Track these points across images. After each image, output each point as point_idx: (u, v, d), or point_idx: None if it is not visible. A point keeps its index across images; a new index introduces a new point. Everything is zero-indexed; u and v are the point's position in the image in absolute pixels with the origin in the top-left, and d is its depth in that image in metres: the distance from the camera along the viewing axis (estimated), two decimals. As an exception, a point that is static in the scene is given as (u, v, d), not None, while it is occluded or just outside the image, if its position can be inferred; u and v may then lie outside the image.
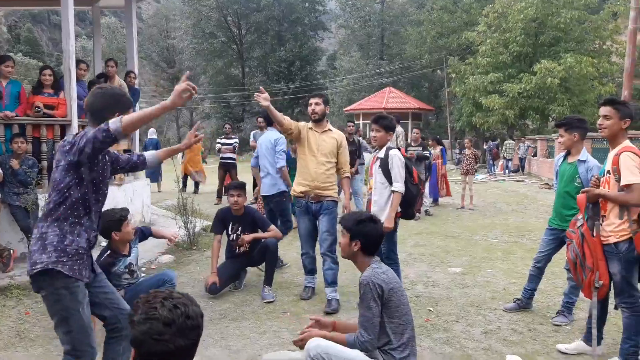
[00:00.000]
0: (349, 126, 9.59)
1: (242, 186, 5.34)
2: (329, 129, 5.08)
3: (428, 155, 10.32)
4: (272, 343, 4.04)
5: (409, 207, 4.83)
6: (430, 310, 4.82)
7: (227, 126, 12.17)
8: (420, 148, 10.20)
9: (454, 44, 30.62)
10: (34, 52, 47.95)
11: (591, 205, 3.57)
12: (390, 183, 4.67)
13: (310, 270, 5.17)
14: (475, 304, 4.98)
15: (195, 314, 1.52)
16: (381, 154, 4.78)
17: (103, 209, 3.02)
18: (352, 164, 8.11)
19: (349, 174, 5.14)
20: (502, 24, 24.20)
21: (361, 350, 2.82)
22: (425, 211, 10.34)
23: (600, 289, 3.53)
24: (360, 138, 10.54)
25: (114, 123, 2.47)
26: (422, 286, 5.58)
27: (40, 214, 5.58)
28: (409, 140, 12.59)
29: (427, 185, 10.61)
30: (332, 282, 4.87)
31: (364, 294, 2.76)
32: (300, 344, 2.91)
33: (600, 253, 3.51)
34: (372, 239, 2.93)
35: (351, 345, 2.80)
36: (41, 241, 2.61)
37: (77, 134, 2.66)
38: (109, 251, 4.07)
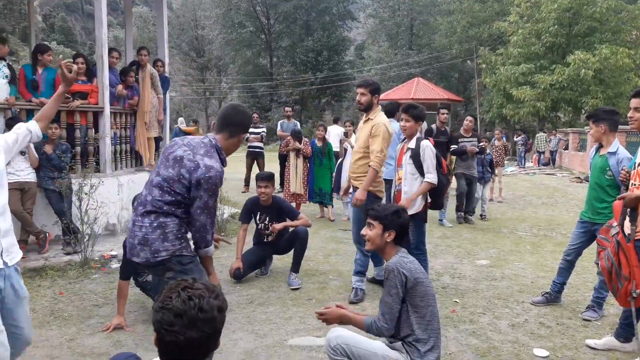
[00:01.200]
0: (442, 114, 8.44)
1: (270, 177, 5.39)
2: (370, 118, 4.80)
3: (484, 147, 9.08)
4: (297, 329, 4.08)
5: (438, 197, 4.81)
6: (456, 301, 4.79)
7: (255, 115, 12.24)
8: (475, 140, 8.63)
9: (485, 34, 30.07)
10: (67, 41, 48.94)
11: (629, 210, 3.33)
12: (421, 174, 4.65)
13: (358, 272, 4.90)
14: (502, 297, 4.93)
15: (210, 306, 1.47)
16: (412, 144, 4.75)
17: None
18: (444, 157, 7.37)
19: (372, 164, 4.67)
20: (534, 13, 23.65)
21: (376, 335, 2.81)
22: (481, 215, 9.11)
23: (638, 298, 3.30)
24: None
25: None
26: (448, 277, 5.55)
27: (74, 197, 5.74)
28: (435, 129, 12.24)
29: (483, 187, 9.32)
30: (358, 272, 4.87)
31: (388, 280, 2.76)
32: (322, 317, 2.88)
33: (637, 260, 3.36)
34: (405, 230, 2.93)
35: (368, 327, 2.78)
36: (161, 230, 2.81)
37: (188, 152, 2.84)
38: None
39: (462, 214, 8.65)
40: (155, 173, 2.90)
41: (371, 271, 5.27)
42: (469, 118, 8.91)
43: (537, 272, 5.76)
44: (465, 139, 8.46)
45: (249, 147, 11.69)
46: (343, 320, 2.85)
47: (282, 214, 5.35)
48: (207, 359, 1.54)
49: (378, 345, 2.82)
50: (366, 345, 2.80)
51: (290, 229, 5.31)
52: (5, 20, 42.95)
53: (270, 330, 4.03)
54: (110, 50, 7.28)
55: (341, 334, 2.87)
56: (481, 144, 8.78)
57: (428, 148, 4.66)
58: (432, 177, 4.61)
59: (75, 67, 2.86)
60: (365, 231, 2.97)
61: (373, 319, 2.79)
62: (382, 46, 38.50)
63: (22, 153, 6.00)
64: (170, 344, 1.46)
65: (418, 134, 4.85)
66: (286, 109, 11.70)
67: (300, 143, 8.53)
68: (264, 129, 12.00)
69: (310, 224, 5.43)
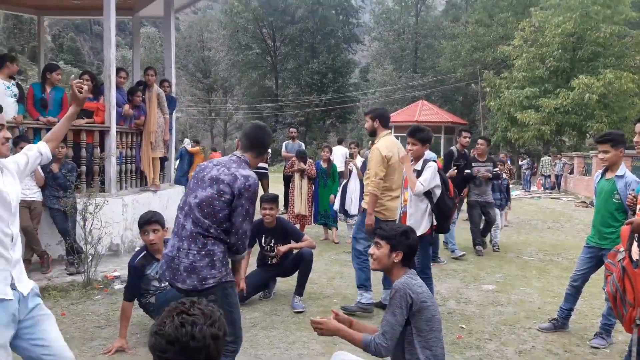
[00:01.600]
0: (464, 137, 7.98)
1: (274, 199, 5.37)
2: (374, 143, 5.12)
3: (499, 172, 8.22)
4: (301, 354, 4.02)
5: (444, 220, 4.78)
6: (462, 327, 4.72)
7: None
8: (490, 164, 7.93)
9: (489, 57, 30.29)
10: (76, 60, 49.47)
11: (637, 235, 3.25)
12: (427, 196, 4.63)
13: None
14: (508, 323, 4.86)
15: (202, 335, 1.43)
16: (418, 166, 4.74)
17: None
18: (464, 180, 7.63)
19: (367, 188, 4.86)
20: (538, 38, 23.84)
21: (374, 354, 2.74)
22: (493, 245, 8.32)
23: None
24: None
25: None
26: (454, 302, 5.48)
27: (78, 217, 5.73)
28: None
29: (501, 214, 8.78)
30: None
31: (393, 299, 2.72)
32: (317, 327, 2.77)
33: None
34: (413, 251, 2.90)
35: (366, 344, 2.70)
36: (209, 258, 2.88)
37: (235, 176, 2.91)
38: (144, 252, 4.14)
39: (480, 247, 7.92)
40: (192, 196, 2.93)
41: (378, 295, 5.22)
42: (481, 141, 8.15)
43: (544, 298, 5.69)
44: (480, 164, 7.90)
45: (254, 167, 11.69)
46: (339, 335, 2.77)
47: (286, 236, 5.32)
48: None
49: None
50: None
51: (295, 251, 5.27)
52: (15, 39, 43.65)
53: (274, 355, 3.97)
54: (118, 70, 7.35)
55: (344, 358, 2.82)
56: (496, 169, 8.02)
57: (432, 167, 4.68)
58: (419, 186, 4.59)
59: (86, 87, 2.83)
60: (372, 250, 2.93)
61: (372, 337, 2.71)
62: (387, 69, 38.81)
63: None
64: None
65: (425, 156, 4.85)
66: (291, 130, 11.74)
67: (305, 163, 8.54)
68: (269, 150, 12.02)
69: (315, 246, 5.39)
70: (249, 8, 41.08)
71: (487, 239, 8.39)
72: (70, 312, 4.85)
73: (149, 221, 4.16)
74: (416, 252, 2.94)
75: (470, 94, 35.87)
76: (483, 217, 7.97)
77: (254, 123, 3.36)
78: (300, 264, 5.18)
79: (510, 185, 10.30)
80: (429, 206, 4.69)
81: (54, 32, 52.90)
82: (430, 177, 4.61)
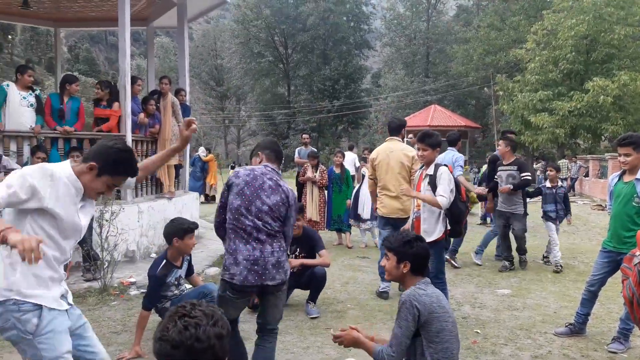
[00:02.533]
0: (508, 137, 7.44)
1: (300, 209, 5.31)
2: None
3: (529, 178, 6.86)
4: (314, 359, 4.03)
5: (456, 224, 4.76)
6: (477, 332, 4.69)
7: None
8: (515, 168, 6.88)
9: (502, 61, 30.16)
10: (91, 70, 50.16)
11: None
12: None
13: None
14: (524, 327, 4.82)
15: (207, 335, 1.43)
16: (430, 170, 4.74)
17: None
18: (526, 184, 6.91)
19: None
20: (551, 41, 23.68)
21: None
22: (555, 265, 7.19)
23: None
24: None
25: None
26: (469, 307, 5.45)
27: (95, 224, 5.81)
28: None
29: (557, 228, 7.46)
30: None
31: (400, 311, 2.72)
32: (338, 340, 2.89)
33: None
34: (420, 259, 2.85)
35: (376, 354, 2.75)
36: (284, 253, 3.24)
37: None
38: (164, 261, 4.18)
39: (506, 262, 7.15)
40: (259, 202, 3.14)
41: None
42: (500, 141, 7.21)
43: (560, 302, 5.63)
44: (504, 167, 6.96)
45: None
46: (356, 344, 2.84)
47: (312, 245, 5.21)
48: None
49: None
50: None
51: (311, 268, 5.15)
52: (32, 51, 44.38)
53: (288, 360, 3.99)
54: (134, 79, 7.45)
55: None
56: (524, 174, 6.79)
57: (445, 173, 4.66)
58: (443, 199, 4.56)
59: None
60: (383, 262, 2.96)
61: (382, 347, 2.75)
62: (399, 74, 38.81)
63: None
64: None
65: (437, 161, 4.85)
66: (303, 136, 11.78)
67: (317, 161, 8.63)
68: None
69: (329, 264, 5.22)
70: (261, 17, 41.41)
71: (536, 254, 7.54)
72: (87, 318, 4.90)
73: (194, 229, 4.24)
74: (426, 259, 2.90)
75: (483, 98, 35.74)
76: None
77: (272, 139, 3.62)
78: (312, 283, 5.10)
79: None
80: (443, 210, 4.68)
81: (70, 43, 53.73)
82: (448, 187, 4.59)
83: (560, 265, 7.12)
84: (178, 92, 8.51)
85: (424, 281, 2.83)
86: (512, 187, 6.73)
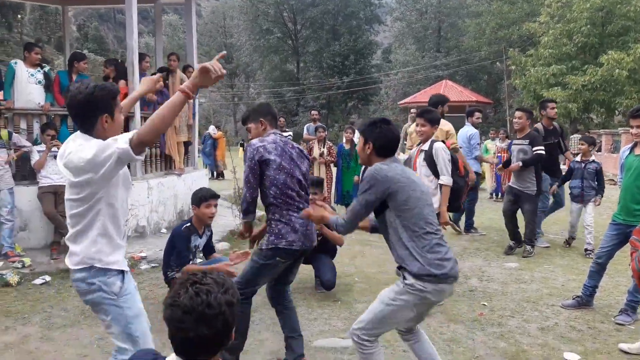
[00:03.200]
0: (552, 108, 7.04)
1: (320, 182, 5.21)
2: None
3: (541, 153, 6.26)
4: (322, 330, 4.09)
5: (455, 199, 4.74)
6: (484, 304, 4.73)
7: (281, 119, 12.33)
8: (527, 142, 6.36)
9: (514, 35, 29.59)
10: (100, 49, 50.11)
11: None
12: (435, 175, 4.61)
13: None
14: (531, 300, 4.85)
15: (218, 302, 1.46)
16: (425, 146, 4.72)
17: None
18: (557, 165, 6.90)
19: None
20: (565, 13, 23.16)
21: (337, 231, 2.99)
22: (567, 240, 7.03)
23: None
24: None
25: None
26: (476, 280, 5.48)
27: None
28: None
29: (584, 208, 6.71)
30: None
31: (361, 186, 2.81)
32: (306, 215, 3.04)
33: None
34: (384, 141, 2.85)
35: (332, 223, 2.93)
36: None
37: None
38: (189, 223, 4.31)
39: (511, 242, 6.70)
40: (297, 171, 3.34)
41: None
42: (518, 113, 6.65)
43: (568, 275, 5.64)
44: (516, 142, 6.57)
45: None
46: (323, 219, 2.98)
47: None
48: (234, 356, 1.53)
49: (381, 296, 2.81)
50: (377, 312, 2.77)
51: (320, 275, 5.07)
52: (41, 30, 44.36)
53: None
54: (142, 56, 7.45)
55: (358, 320, 2.86)
56: (537, 148, 6.26)
57: (440, 149, 4.64)
58: (446, 179, 4.59)
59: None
60: (351, 136, 3.13)
61: (337, 216, 2.96)
62: (409, 49, 38.25)
63: (56, 157, 6.18)
64: (181, 339, 1.48)
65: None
66: (312, 112, 11.74)
67: (324, 133, 8.65)
68: (291, 133, 12.07)
69: (343, 242, 5.10)
70: (270, -9, 40.90)
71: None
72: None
73: (215, 196, 4.36)
74: (390, 142, 2.86)
75: (495, 73, 35.22)
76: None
77: (264, 102, 3.60)
78: (323, 283, 4.98)
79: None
80: (438, 186, 4.64)
81: (79, 22, 53.55)
82: (444, 164, 4.60)
83: (589, 250, 6.39)
84: (186, 69, 8.49)
85: (388, 160, 2.84)
86: (521, 164, 6.26)
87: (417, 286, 2.64)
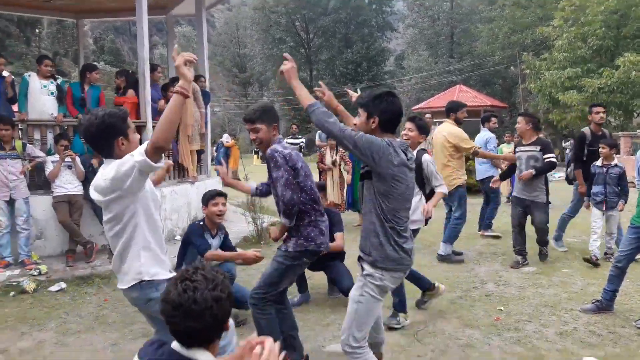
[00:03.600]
0: (597, 113, 6.59)
1: (322, 187, 5.32)
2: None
3: (553, 161, 5.95)
4: (335, 335, 4.04)
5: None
6: (500, 309, 4.64)
7: (294, 126, 12.35)
8: (537, 148, 5.97)
9: (528, 39, 29.36)
10: (116, 61, 50.77)
11: None
12: (420, 186, 4.50)
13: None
14: (549, 304, 4.74)
15: (204, 299, 1.53)
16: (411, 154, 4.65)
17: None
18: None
19: None
20: (580, 17, 22.92)
21: (314, 121, 2.88)
22: (606, 254, 6.24)
23: None
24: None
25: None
26: (492, 285, 5.39)
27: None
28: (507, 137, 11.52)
29: (608, 216, 6.17)
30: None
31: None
32: (283, 70, 3.15)
33: None
34: (389, 114, 2.80)
35: (310, 104, 2.97)
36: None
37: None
38: (202, 222, 4.37)
39: (518, 257, 6.18)
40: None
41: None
42: (519, 118, 6.31)
43: (587, 279, 5.51)
44: (523, 148, 6.13)
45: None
46: (292, 77, 3.08)
47: (330, 226, 5.13)
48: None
49: (352, 296, 2.88)
50: (353, 314, 2.83)
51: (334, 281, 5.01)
52: (58, 43, 45.12)
53: (308, 337, 4.00)
54: (155, 66, 7.51)
55: (343, 331, 2.87)
56: (548, 156, 5.88)
57: (429, 162, 4.65)
58: (443, 187, 4.60)
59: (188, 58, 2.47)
60: (355, 120, 2.99)
61: (318, 103, 2.90)
62: (422, 55, 38.16)
63: (70, 167, 6.25)
64: (175, 331, 1.59)
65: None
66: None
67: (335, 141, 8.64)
68: (303, 140, 12.06)
69: (342, 248, 5.00)
70: (282, 2, 41.15)
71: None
72: (112, 298, 5.01)
73: (221, 194, 4.43)
74: (395, 116, 2.82)
75: (510, 77, 34.96)
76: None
77: (267, 102, 3.55)
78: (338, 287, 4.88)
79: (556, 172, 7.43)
80: (422, 197, 4.55)
81: (95, 35, 54.41)
82: (436, 174, 4.65)
83: (596, 257, 6.04)
84: (197, 79, 8.53)
85: (394, 139, 2.80)
86: (534, 172, 5.88)
87: (375, 275, 2.78)
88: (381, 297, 2.85)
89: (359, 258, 2.90)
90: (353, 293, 2.88)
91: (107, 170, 2.43)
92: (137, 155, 2.31)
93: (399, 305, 4.30)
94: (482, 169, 8.14)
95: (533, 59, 25.47)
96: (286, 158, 3.24)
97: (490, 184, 7.19)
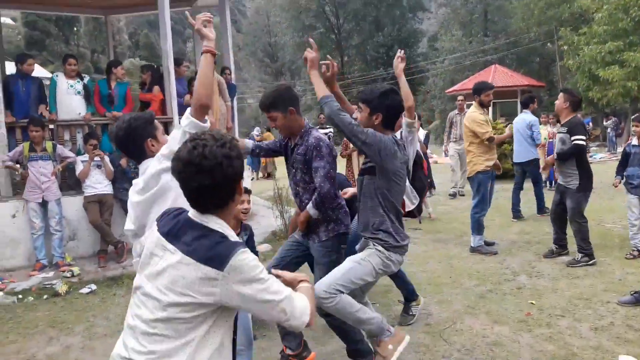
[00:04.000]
0: None
1: None
2: None
3: (580, 143, 5.41)
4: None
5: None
6: (532, 303, 4.47)
7: (322, 116, 12.27)
8: (565, 130, 5.57)
9: (565, 13, 28.18)
10: (151, 55, 51.52)
11: None
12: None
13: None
14: (584, 297, 4.54)
15: (213, 154, 1.58)
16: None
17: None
18: None
19: None
20: (621, -14, 21.86)
21: (326, 114, 2.86)
22: (633, 250, 5.68)
23: None
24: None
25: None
26: (525, 277, 5.20)
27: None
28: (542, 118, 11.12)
29: None
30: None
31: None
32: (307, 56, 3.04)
33: None
34: (393, 111, 2.87)
35: (326, 98, 2.89)
36: None
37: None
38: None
39: (553, 245, 5.90)
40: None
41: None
42: (560, 94, 5.79)
43: (627, 269, 5.26)
44: (559, 130, 5.80)
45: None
46: (313, 67, 2.96)
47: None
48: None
49: (352, 257, 2.96)
50: (346, 269, 2.87)
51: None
52: (95, 41, 46.12)
53: (331, 338, 3.94)
54: (180, 60, 7.52)
55: (323, 281, 2.87)
56: (575, 137, 5.41)
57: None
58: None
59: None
60: (356, 114, 3.00)
61: (334, 101, 2.85)
62: (455, 35, 37.21)
63: (99, 167, 6.35)
64: (188, 191, 1.63)
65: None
66: (359, 105, 11.59)
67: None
68: (331, 130, 11.95)
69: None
70: (311, -13, 40.86)
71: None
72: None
73: (246, 190, 4.28)
74: (399, 112, 2.93)
75: (547, 54, 33.81)
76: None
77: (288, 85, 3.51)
78: None
79: (594, 149, 7.40)
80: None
81: (130, 31, 55.36)
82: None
83: (638, 251, 5.60)
84: (223, 71, 8.53)
85: (394, 136, 2.92)
86: (555, 156, 5.61)
87: (385, 252, 2.90)
88: (377, 273, 2.92)
89: (368, 238, 2.98)
90: (354, 256, 2.93)
91: (144, 167, 2.47)
92: (184, 120, 2.33)
93: (410, 294, 4.24)
94: (523, 151, 8.01)
95: (571, 34, 24.45)
96: (330, 147, 3.17)
97: (541, 171, 7.79)
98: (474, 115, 6.19)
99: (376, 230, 2.90)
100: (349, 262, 2.92)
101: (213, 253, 1.58)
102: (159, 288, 1.62)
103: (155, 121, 2.62)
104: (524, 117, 8.07)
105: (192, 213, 1.69)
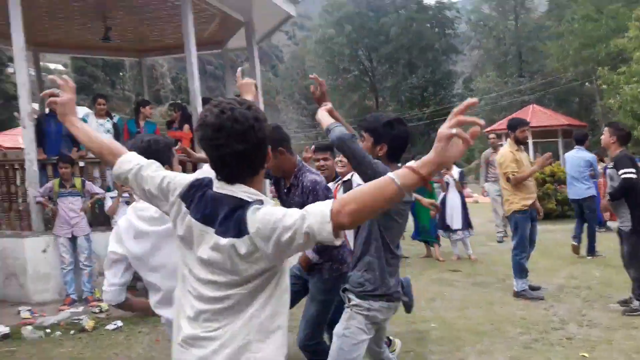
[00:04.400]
0: None
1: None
2: None
3: (629, 177, 4.91)
4: None
5: None
6: (584, 355, 4.03)
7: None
8: (612, 165, 5.28)
9: (602, 53, 27.69)
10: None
11: None
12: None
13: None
14: (645, 350, 4.08)
15: (244, 117, 1.49)
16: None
17: None
18: None
19: None
20: (657, 25, 21.40)
21: (331, 139, 2.66)
22: None
23: None
24: None
25: None
26: (575, 326, 4.75)
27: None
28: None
29: None
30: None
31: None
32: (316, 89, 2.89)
33: None
34: (400, 143, 2.65)
35: (332, 128, 2.67)
36: None
37: None
38: None
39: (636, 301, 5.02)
40: None
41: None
42: (605, 129, 5.45)
43: (691, 318, 4.76)
44: (609, 166, 5.50)
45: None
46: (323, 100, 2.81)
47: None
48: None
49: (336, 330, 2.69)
50: (337, 349, 2.62)
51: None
52: (140, 85, 47.98)
53: None
54: (207, 100, 7.57)
55: None
56: (623, 171, 4.93)
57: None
58: None
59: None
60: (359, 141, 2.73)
61: (347, 132, 2.59)
62: (490, 76, 37.11)
63: (128, 203, 6.31)
64: (219, 158, 1.52)
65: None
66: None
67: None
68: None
69: None
70: (343, 33, 41.70)
71: None
72: (164, 339, 4.82)
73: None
74: (405, 145, 2.69)
75: (586, 94, 33.22)
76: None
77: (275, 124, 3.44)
78: None
79: None
80: None
81: (172, 75, 57.40)
82: None
83: None
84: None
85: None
86: (609, 197, 5.18)
87: (363, 305, 2.60)
88: (368, 331, 2.62)
89: (344, 290, 2.70)
90: (337, 328, 2.66)
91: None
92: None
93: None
94: (581, 188, 7.67)
95: (610, 73, 23.97)
96: (327, 189, 3.06)
97: (600, 211, 7.37)
98: (502, 152, 6.00)
99: (357, 276, 2.66)
100: (335, 338, 2.67)
101: (240, 226, 1.49)
102: (212, 272, 1.55)
103: (173, 149, 2.54)
104: (581, 155, 7.78)
105: (217, 185, 1.58)
